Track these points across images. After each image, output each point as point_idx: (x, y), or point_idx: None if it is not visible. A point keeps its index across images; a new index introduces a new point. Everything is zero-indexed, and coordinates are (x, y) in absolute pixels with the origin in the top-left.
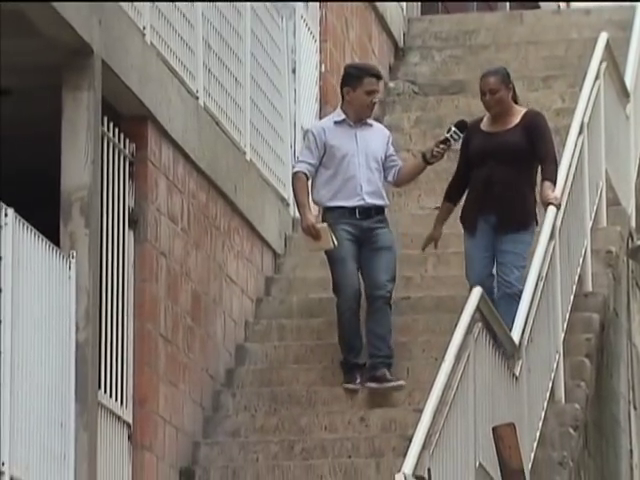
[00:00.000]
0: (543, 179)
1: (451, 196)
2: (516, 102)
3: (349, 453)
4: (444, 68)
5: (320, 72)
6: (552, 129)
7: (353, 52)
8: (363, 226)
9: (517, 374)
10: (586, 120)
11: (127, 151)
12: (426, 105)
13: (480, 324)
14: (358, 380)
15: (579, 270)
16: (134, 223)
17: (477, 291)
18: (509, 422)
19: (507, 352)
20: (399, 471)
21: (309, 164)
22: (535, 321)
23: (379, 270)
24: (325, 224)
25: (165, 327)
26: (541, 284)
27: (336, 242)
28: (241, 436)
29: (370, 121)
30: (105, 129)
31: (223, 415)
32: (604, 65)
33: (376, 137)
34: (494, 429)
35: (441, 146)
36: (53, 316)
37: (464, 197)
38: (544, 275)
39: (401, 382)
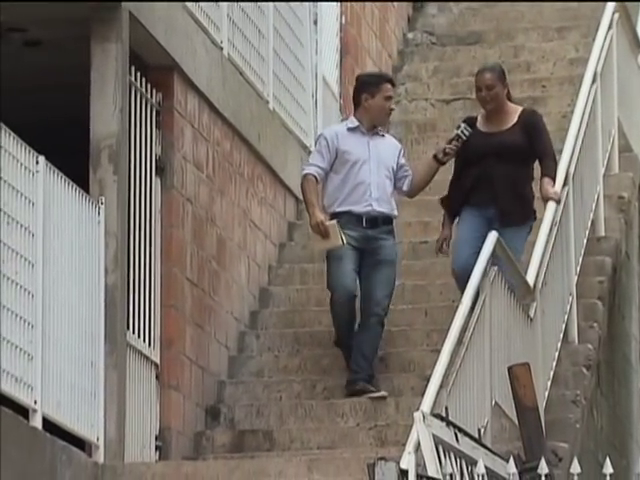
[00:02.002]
0: (543, 175)
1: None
2: (510, 99)
3: None
4: (461, 19)
5: (341, 24)
6: (566, 78)
7: (373, 5)
8: (369, 235)
9: (532, 316)
10: (599, 69)
11: (154, 100)
12: (443, 55)
13: (496, 268)
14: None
15: (592, 215)
16: (161, 170)
17: (493, 235)
18: (524, 362)
19: (522, 295)
20: (417, 409)
21: (319, 167)
22: (549, 265)
23: (377, 285)
24: (334, 221)
25: (191, 271)
26: (555, 229)
27: (345, 240)
28: (265, 376)
29: (382, 132)
30: (133, 79)
31: (247, 356)
32: (617, 16)
33: (388, 147)
34: (509, 369)
35: (453, 143)
36: (83, 260)
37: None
38: (558, 220)
39: (383, 393)
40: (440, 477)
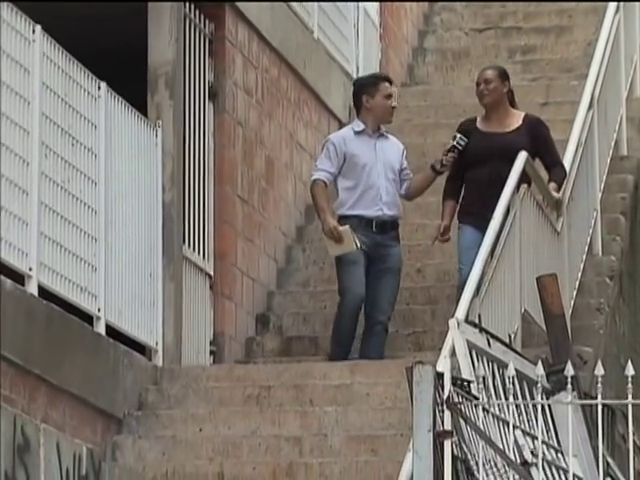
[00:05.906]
0: (550, 180)
1: (452, 194)
2: (513, 105)
3: (407, 301)
4: None
5: None
6: (591, 8)
7: None
8: (377, 240)
9: (559, 230)
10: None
11: (207, 30)
12: None
13: (525, 185)
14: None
15: (615, 136)
16: (213, 96)
17: (523, 155)
18: (551, 272)
19: (549, 210)
20: (452, 317)
21: (328, 172)
22: (575, 182)
23: (383, 294)
24: (347, 227)
25: (242, 189)
26: (580, 149)
27: (359, 244)
28: (310, 286)
29: (386, 133)
30: (187, 11)
31: (294, 268)
32: None
33: (392, 149)
34: (538, 279)
35: (450, 154)
36: (142, 179)
37: (463, 195)
38: (583, 141)
39: None
40: (473, 379)
